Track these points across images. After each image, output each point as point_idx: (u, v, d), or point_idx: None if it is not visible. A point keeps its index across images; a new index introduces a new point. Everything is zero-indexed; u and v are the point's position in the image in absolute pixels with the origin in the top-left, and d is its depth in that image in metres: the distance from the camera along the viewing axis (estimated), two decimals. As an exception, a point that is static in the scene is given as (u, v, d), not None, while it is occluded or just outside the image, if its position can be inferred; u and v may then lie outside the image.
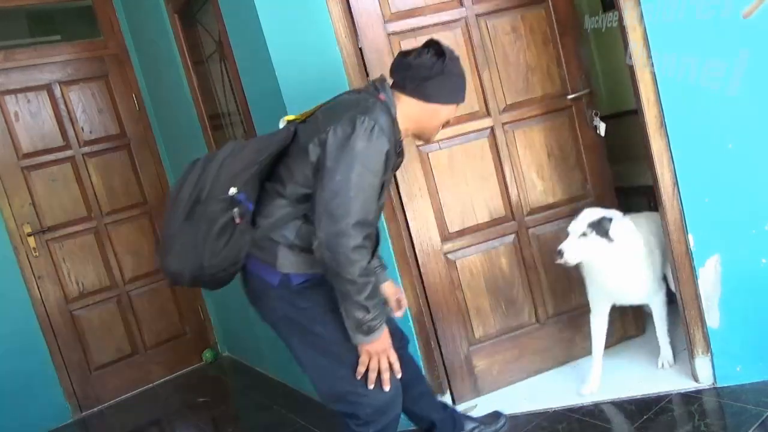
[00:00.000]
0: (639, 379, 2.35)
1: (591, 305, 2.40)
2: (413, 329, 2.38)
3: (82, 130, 3.67)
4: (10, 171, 3.47)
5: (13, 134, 3.49)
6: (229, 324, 3.84)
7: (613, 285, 2.27)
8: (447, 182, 2.42)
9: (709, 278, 2.12)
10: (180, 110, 3.38)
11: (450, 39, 2.37)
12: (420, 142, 2.23)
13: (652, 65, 2.02)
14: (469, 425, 2.11)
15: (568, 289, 2.56)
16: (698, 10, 1.91)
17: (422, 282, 2.41)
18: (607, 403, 2.26)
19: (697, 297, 2.16)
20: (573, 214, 2.52)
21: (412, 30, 2.33)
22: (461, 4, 2.38)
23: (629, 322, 2.66)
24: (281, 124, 1.71)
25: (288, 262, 1.61)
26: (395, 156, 1.64)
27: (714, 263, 2.10)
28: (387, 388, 1.64)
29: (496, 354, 2.54)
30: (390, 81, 1.69)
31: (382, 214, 2.29)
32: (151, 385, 3.78)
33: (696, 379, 2.24)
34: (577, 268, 2.31)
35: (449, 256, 2.45)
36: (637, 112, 2.14)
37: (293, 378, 3.03)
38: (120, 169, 3.77)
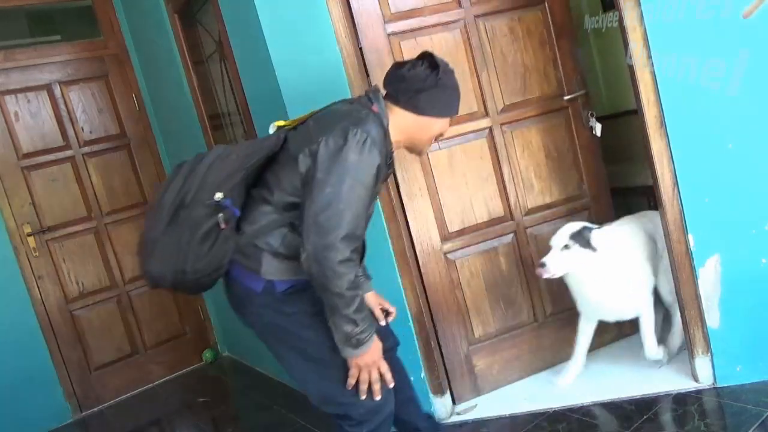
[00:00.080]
0: (639, 379, 2.35)
1: (580, 314, 2.41)
2: (413, 329, 2.38)
3: (82, 130, 3.67)
4: (10, 171, 3.46)
5: (13, 134, 3.49)
6: (229, 324, 3.84)
7: (598, 299, 2.26)
8: (447, 182, 2.43)
9: (709, 278, 2.12)
10: (180, 110, 3.38)
11: (449, 40, 2.39)
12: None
13: (652, 65, 2.02)
14: None
15: (565, 288, 2.54)
16: (698, 10, 1.91)
17: (422, 282, 2.41)
18: (607, 403, 2.26)
19: (697, 297, 2.16)
20: (569, 214, 2.56)
21: (412, 31, 2.34)
22: (460, 5, 2.39)
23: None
24: (271, 130, 1.68)
25: (272, 269, 1.59)
26: (386, 168, 1.62)
27: (714, 263, 2.10)
28: (378, 398, 1.62)
29: (496, 353, 2.55)
30: (384, 92, 1.67)
31: (381, 215, 2.31)
32: (151, 385, 3.78)
33: (696, 379, 2.24)
34: (565, 282, 2.31)
35: (449, 255, 2.46)
36: (637, 112, 2.14)
37: (293, 378, 3.03)
38: (120, 169, 3.76)
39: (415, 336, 2.39)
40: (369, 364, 1.59)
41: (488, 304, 2.52)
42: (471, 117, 2.43)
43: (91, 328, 3.65)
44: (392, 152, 1.66)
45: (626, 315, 2.35)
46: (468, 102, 2.41)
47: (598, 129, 2.53)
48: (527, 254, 2.54)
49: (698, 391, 2.20)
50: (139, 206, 3.79)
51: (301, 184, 1.53)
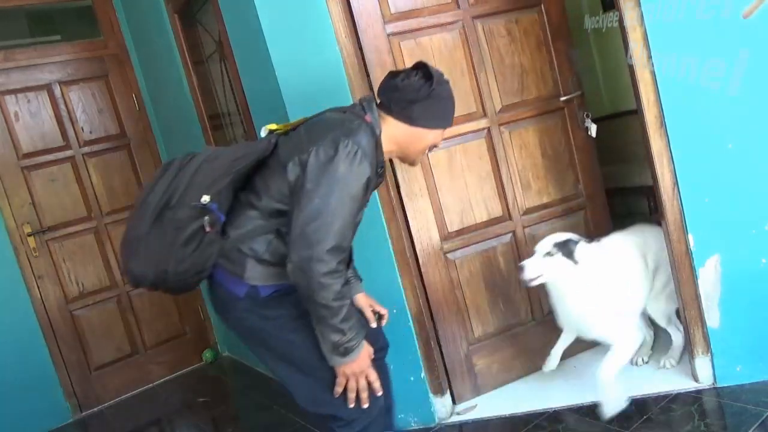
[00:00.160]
0: (639, 379, 2.36)
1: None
2: (413, 329, 2.38)
3: (82, 130, 3.67)
4: (10, 171, 3.47)
5: (13, 134, 3.49)
6: (229, 324, 3.84)
7: (575, 314, 2.20)
8: (446, 182, 2.43)
9: (709, 278, 2.12)
10: (180, 110, 3.38)
11: (448, 40, 2.39)
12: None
13: (652, 65, 2.02)
14: None
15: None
16: (698, 10, 1.91)
17: (422, 282, 2.41)
18: (607, 403, 2.26)
19: (697, 297, 2.16)
20: (566, 213, 2.58)
21: (412, 31, 2.34)
22: (458, 6, 2.40)
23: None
24: (263, 133, 1.67)
25: (256, 274, 1.57)
26: (376, 178, 1.60)
27: (714, 263, 2.10)
28: (365, 406, 1.61)
29: (495, 353, 2.55)
30: (378, 100, 1.66)
31: (381, 215, 2.31)
32: (151, 385, 3.78)
33: (696, 379, 2.24)
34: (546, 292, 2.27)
35: (449, 255, 2.46)
36: (637, 112, 2.14)
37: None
38: (120, 169, 3.77)
39: (415, 336, 2.39)
40: (357, 372, 1.58)
41: (487, 303, 2.52)
42: (470, 117, 2.43)
43: (91, 328, 3.65)
44: (383, 162, 1.65)
45: (601, 338, 2.24)
46: (467, 102, 2.42)
47: (593, 130, 2.55)
48: (525, 254, 2.53)
49: (698, 391, 2.20)
50: (139, 206, 3.79)
51: (290, 193, 1.52)
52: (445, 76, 1.63)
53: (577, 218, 2.63)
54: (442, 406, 2.45)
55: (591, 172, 2.63)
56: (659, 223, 2.26)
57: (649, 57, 2.02)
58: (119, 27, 3.74)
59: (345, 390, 1.60)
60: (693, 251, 2.12)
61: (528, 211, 2.55)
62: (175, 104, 3.46)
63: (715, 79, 1.93)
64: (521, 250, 2.54)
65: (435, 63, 2.37)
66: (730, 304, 2.12)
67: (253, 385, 3.39)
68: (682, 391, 2.22)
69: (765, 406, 1.99)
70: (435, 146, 1.72)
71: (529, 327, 2.58)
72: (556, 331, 2.56)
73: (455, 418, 2.46)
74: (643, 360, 2.47)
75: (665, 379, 2.31)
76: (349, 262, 1.74)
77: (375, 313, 1.85)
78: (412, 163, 1.78)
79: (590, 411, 2.23)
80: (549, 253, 2.07)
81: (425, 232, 2.40)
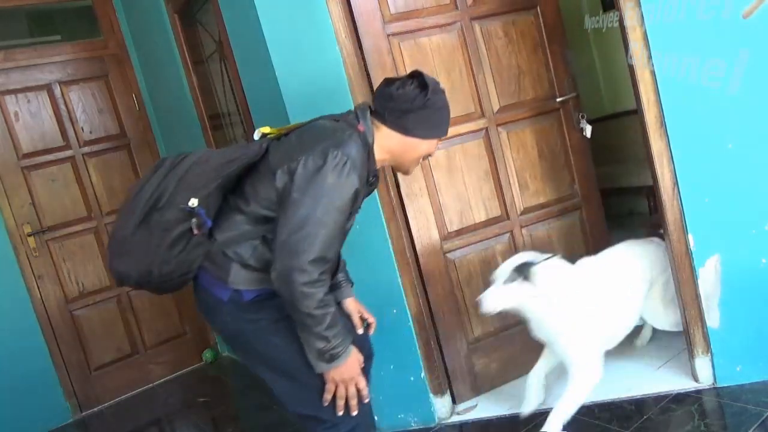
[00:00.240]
0: (639, 379, 2.35)
1: None
2: (413, 329, 2.38)
3: (82, 130, 3.68)
4: (10, 171, 3.47)
5: (13, 134, 3.49)
6: (229, 324, 3.84)
7: (542, 337, 2.16)
8: (446, 182, 2.44)
9: (709, 278, 2.12)
10: (180, 110, 3.38)
11: (447, 41, 2.40)
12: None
13: (653, 65, 2.02)
14: None
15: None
16: (699, 10, 1.91)
17: (422, 281, 2.41)
18: (607, 403, 2.26)
19: (697, 297, 2.15)
20: (562, 213, 2.60)
21: (411, 32, 2.35)
22: (456, 7, 2.41)
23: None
24: (256, 136, 1.66)
25: (240, 279, 1.56)
26: (366, 187, 1.60)
27: (714, 263, 2.10)
28: (354, 413, 1.60)
29: (495, 352, 2.55)
30: (373, 108, 1.64)
31: (381, 215, 2.31)
32: (151, 385, 3.78)
33: (696, 379, 2.24)
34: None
35: (448, 255, 2.46)
36: (637, 112, 2.14)
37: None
38: (120, 169, 3.77)
39: (415, 336, 2.39)
40: (346, 379, 1.57)
41: (488, 303, 2.52)
42: (468, 118, 2.44)
43: (91, 328, 3.65)
44: (376, 171, 1.64)
45: (564, 358, 2.12)
46: (465, 103, 2.43)
47: (588, 131, 2.58)
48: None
49: (698, 391, 2.20)
50: (139, 206, 3.79)
51: (277, 200, 1.51)
52: (441, 85, 1.61)
53: (573, 218, 2.65)
54: (442, 406, 2.45)
55: (586, 172, 2.66)
56: (657, 227, 2.24)
57: (650, 57, 2.02)
58: (119, 27, 3.74)
59: (334, 396, 1.58)
60: (693, 251, 2.12)
61: (525, 211, 2.56)
62: (175, 104, 3.46)
63: (715, 79, 1.93)
64: (519, 250, 2.53)
65: (434, 63, 2.38)
66: (730, 304, 2.12)
67: (253, 385, 3.38)
68: (682, 391, 2.22)
69: (765, 406, 1.99)
70: (429, 155, 1.71)
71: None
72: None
73: (455, 418, 2.46)
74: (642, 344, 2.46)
75: (665, 379, 2.31)
76: (336, 268, 1.73)
77: (363, 320, 1.82)
78: (406, 172, 1.75)
79: (590, 410, 2.23)
80: (508, 280, 2.00)
81: (425, 232, 2.40)
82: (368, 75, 2.27)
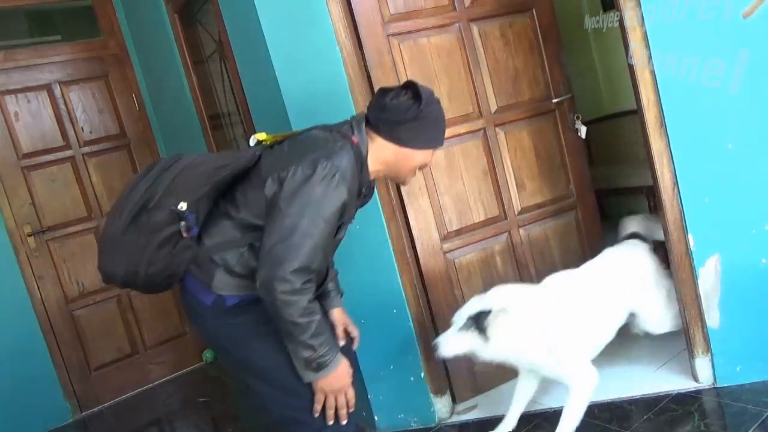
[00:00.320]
0: (639, 379, 2.36)
1: None
2: (413, 329, 2.38)
3: (82, 130, 3.67)
4: (10, 171, 3.47)
5: (13, 134, 3.49)
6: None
7: (523, 367, 2.13)
8: (445, 181, 2.44)
9: (709, 278, 2.12)
10: (180, 110, 3.38)
11: (445, 42, 2.41)
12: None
13: (653, 65, 2.02)
14: None
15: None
16: (699, 10, 1.91)
17: (422, 281, 2.41)
18: (607, 403, 2.26)
19: (697, 297, 2.16)
20: (558, 213, 2.62)
21: (410, 32, 2.35)
22: (454, 8, 2.42)
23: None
24: (252, 142, 1.66)
25: (223, 284, 1.56)
26: (358, 197, 1.59)
27: (714, 263, 2.10)
28: (344, 422, 1.59)
29: (496, 354, 2.55)
30: (368, 118, 1.63)
31: (381, 215, 2.31)
32: (151, 385, 3.78)
33: (696, 379, 2.24)
34: None
35: (448, 255, 2.46)
36: (637, 112, 2.14)
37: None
38: (120, 169, 3.76)
39: (415, 336, 2.39)
40: (336, 389, 1.55)
41: (487, 303, 2.53)
42: (467, 118, 2.45)
43: (91, 328, 3.65)
44: (370, 182, 1.63)
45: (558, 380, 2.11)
46: (464, 103, 2.44)
47: (583, 131, 2.61)
48: (521, 253, 2.58)
49: (698, 391, 2.20)
50: (139, 206, 3.79)
51: (265, 208, 1.51)
52: (435, 96, 1.60)
53: (569, 218, 2.67)
54: (442, 406, 2.45)
55: (581, 172, 2.69)
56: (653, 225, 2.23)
57: (650, 57, 2.02)
58: (119, 27, 3.73)
59: (320, 408, 1.57)
60: (693, 251, 2.12)
61: (523, 211, 2.57)
62: (175, 104, 3.46)
63: (716, 79, 1.93)
64: (517, 250, 2.57)
65: (434, 64, 2.39)
66: (730, 304, 2.12)
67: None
68: (682, 391, 2.22)
69: (765, 406, 1.99)
70: (425, 165, 1.69)
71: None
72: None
73: (456, 418, 2.46)
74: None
75: (665, 379, 2.31)
76: (325, 277, 1.72)
77: (347, 332, 1.80)
78: (402, 183, 1.74)
79: (590, 410, 2.22)
80: (464, 327, 1.97)
81: (425, 232, 2.40)
82: (368, 75, 2.27)
